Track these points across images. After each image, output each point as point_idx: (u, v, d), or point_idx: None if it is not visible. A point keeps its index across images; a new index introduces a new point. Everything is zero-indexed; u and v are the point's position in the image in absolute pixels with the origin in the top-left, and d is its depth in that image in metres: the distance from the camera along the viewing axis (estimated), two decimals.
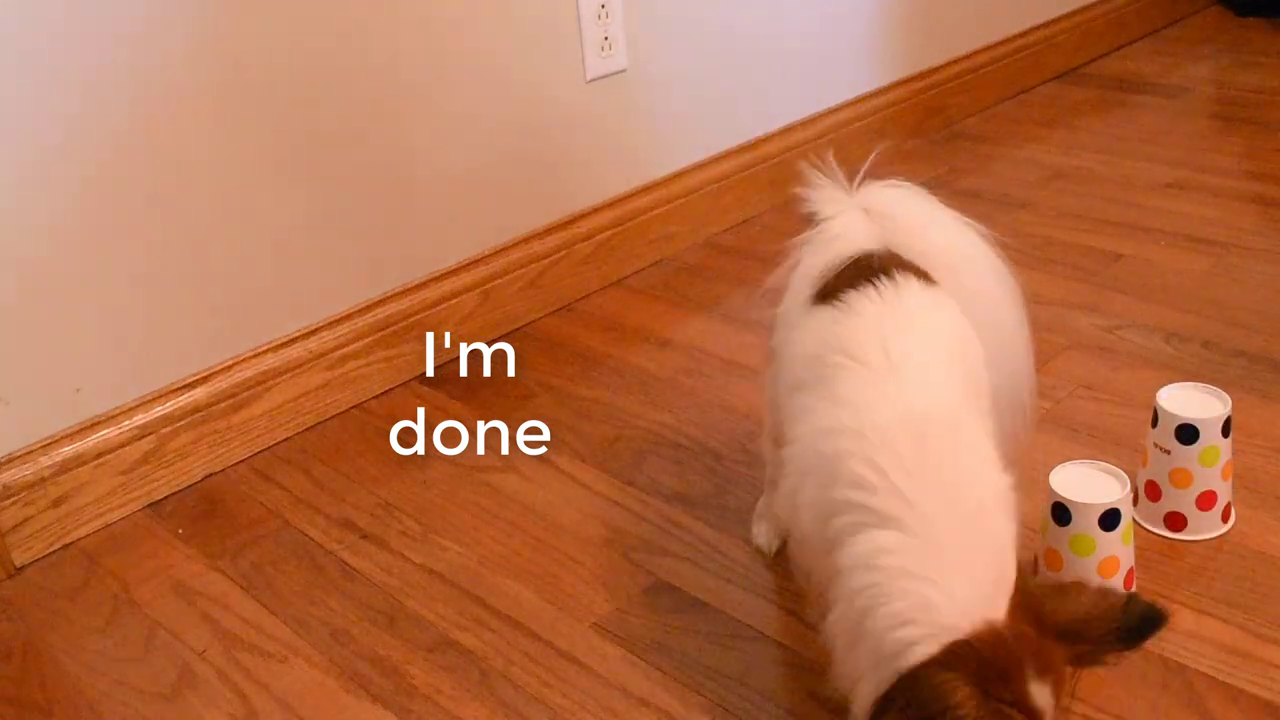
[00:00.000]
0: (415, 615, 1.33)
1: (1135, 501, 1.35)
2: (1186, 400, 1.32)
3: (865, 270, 1.11)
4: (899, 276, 1.09)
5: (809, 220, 1.23)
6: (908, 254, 1.14)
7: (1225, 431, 1.30)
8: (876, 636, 0.91)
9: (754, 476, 1.53)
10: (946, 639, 0.89)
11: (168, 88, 1.48)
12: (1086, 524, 1.18)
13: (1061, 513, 1.20)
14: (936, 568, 0.91)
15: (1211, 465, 1.30)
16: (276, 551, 1.46)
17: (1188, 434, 1.28)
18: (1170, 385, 1.34)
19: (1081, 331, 1.78)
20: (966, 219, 1.20)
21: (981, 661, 0.88)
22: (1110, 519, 1.18)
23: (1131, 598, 0.94)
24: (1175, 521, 1.33)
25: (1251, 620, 1.22)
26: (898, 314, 1.07)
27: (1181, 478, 1.31)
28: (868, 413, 0.99)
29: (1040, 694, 0.89)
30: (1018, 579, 0.93)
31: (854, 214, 1.20)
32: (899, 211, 1.20)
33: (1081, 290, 1.90)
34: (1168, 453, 1.31)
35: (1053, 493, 1.20)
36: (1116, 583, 1.21)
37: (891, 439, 0.96)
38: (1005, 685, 0.88)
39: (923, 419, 0.98)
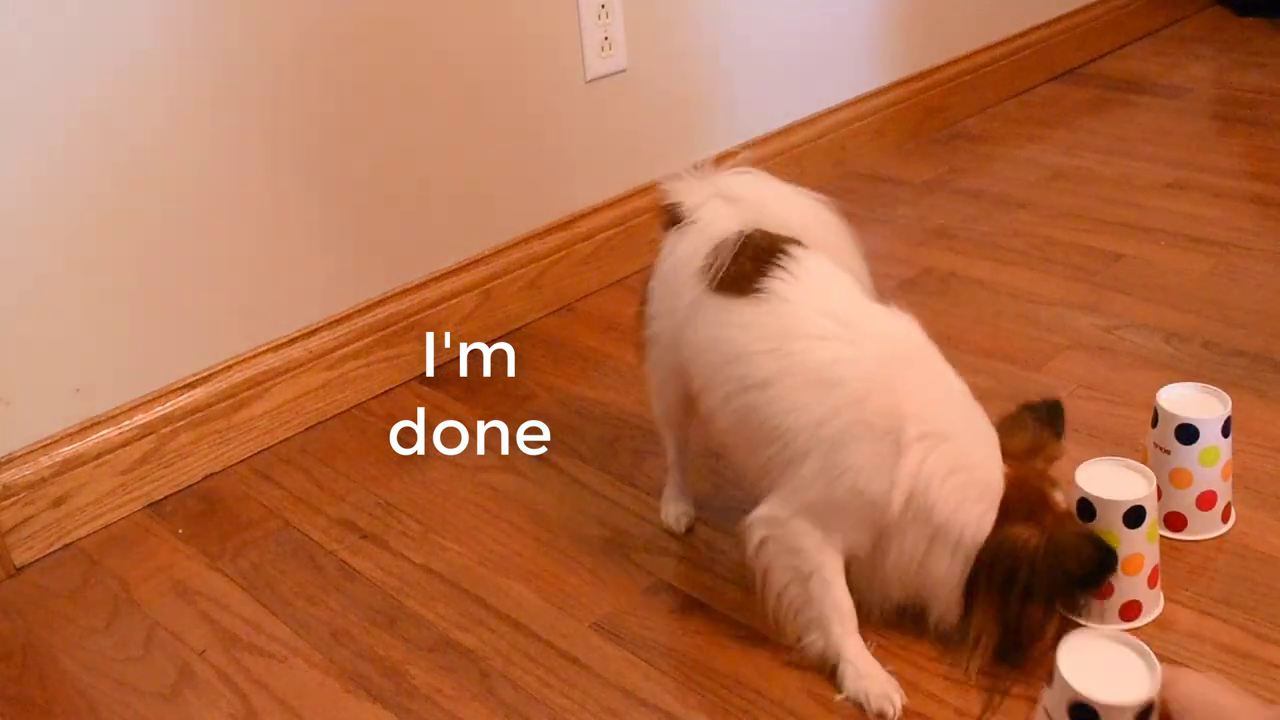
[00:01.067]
0: (415, 615, 1.33)
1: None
2: (1187, 400, 1.32)
3: (758, 254, 1.20)
4: (792, 253, 1.20)
5: (671, 211, 1.32)
6: (771, 228, 1.24)
7: (1225, 431, 1.30)
8: (952, 529, 1.13)
9: None
10: (996, 505, 1.12)
11: (167, 88, 1.48)
12: (1111, 521, 1.18)
13: (1086, 509, 1.20)
14: (977, 460, 1.14)
15: (1211, 465, 1.30)
16: (276, 551, 1.46)
17: (1188, 434, 1.28)
18: (1170, 385, 1.34)
19: (1081, 331, 1.78)
20: (804, 189, 1.32)
21: (1023, 502, 1.13)
22: (1135, 516, 1.18)
23: (1027, 405, 1.23)
24: (1175, 522, 1.33)
25: (1251, 620, 1.22)
26: (815, 286, 1.19)
27: (1181, 478, 1.31)
28: (866, 374, 1.13)
29: (1060, 496, 1.16)
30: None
31: (715, 201, 1.29)
32: (752, 193, 1.30)
33: (1081, 290, 1.90)
34: (1167, 453, 1.31)
35: (1078, 489, 1.20)
36: (1141, 580, 1.21)
37: (897, 381, 1.13)
38: (1044, 508, 1.14)
39: (905, 356, 1.16)
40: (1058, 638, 0.97)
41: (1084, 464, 1.23)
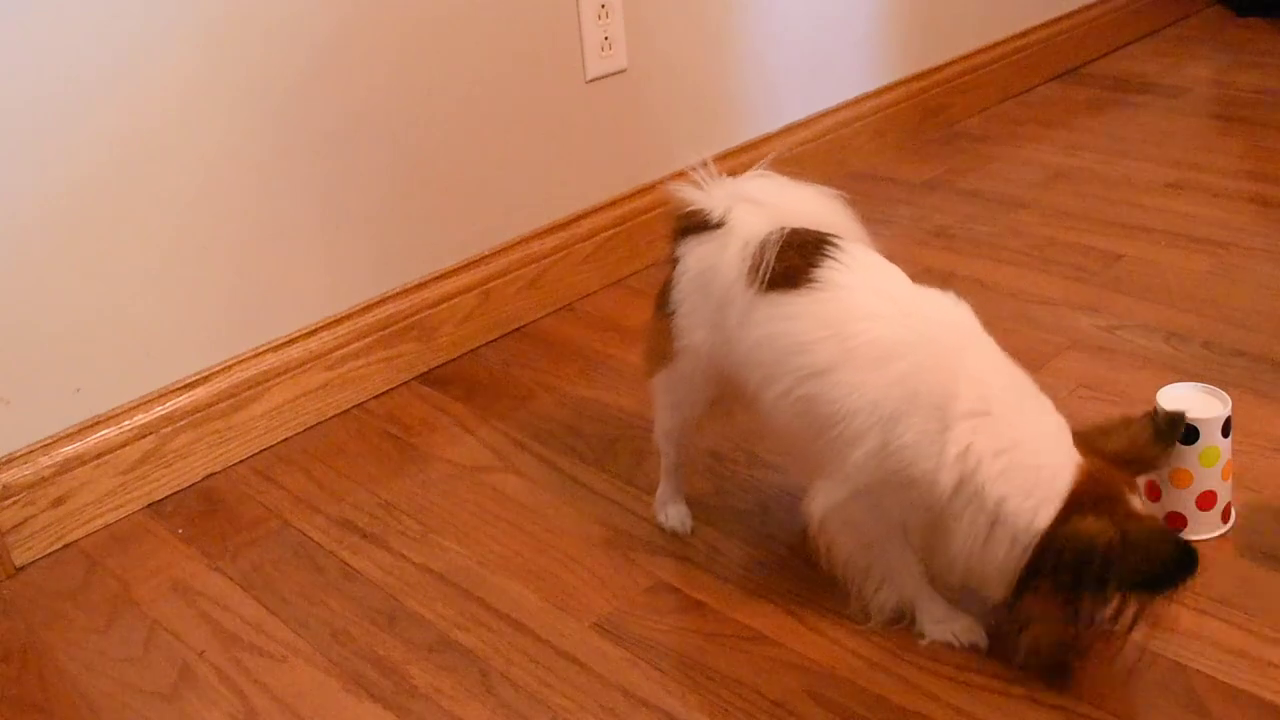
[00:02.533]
0: (415, 615, 1.33)
1: None
2: (1187, 400, 1.31)
3: (804, 248, 1.21)
4: (837, 244, 1.22)
5: (690, 219, 1.31)
6: (799, 225, 1.25)
7: (1225, 431, 1.30)
8: (1009, 515, 1.10)
9: (754, 476, 1.53)
10: (1063, 494, 1.10)
11: (168, 91, 1.48)
12: (1211, 435, 1.27)
13: (1190, 433, 1.26)
14: (1032, 445, 1.12)
15: (1211, 465, 1.30)
16: (276, 551, 1.46)
17: (1188, 434, 1.28)
18: (1171, 385, 1.34)
19: (1081, 331, 1.78)
20: (819, 187, 1.33)
21: (1095, 497, 1.10)
22: (1227, 427, 1.29)
23: (1152, 413, 1.21)
24: (1175, 521, 1.33)
25: (1251, 620, 1.22)
26: (866, 272, 1.21)
27: (1181, 478, 1.31)
28: (921, 352, 1.14)
29: (1137, 500, 1.14)
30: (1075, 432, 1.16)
31: (742, 205, 1.28)
32: (774, 196, 1.30)
33: (1081, 290, 1.90)
34: None
35: (1165, 411, 1.23)
36: (1229, 484, 1.32)
37: (951, 359, 1.14)
38: (1118, 505, 1.10)
39: (959, 338, 1.17)
40: (1114, 644, 1.11)
41: (1160, 394, 1.32)
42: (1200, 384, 1.35)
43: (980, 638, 1.21)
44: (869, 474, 1.15)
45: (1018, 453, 1.11)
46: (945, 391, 1.12)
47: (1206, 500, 1.32)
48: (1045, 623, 1.12)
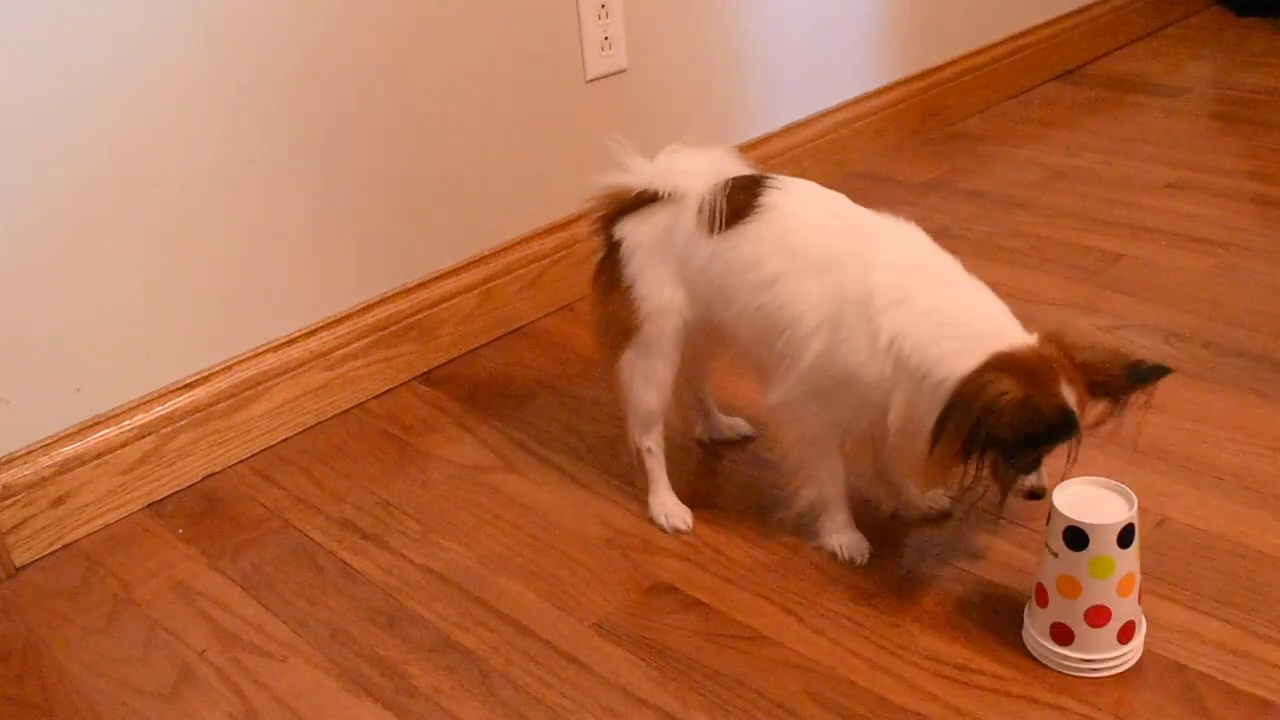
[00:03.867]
0: (415, 615, 1.33)
1: (1031, 599, 1.22)
2: (1083, 498, 1.15)
3: (747, 186, 1.31)
4: (778, 178, 1.32)
5: (632, 201, 1.38)
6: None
7: (1124, 541, 1.12)
8: (930, 363, 1.15)
9: (754, 477, 1.53)
10: (988, 351, 1.13)
11: (168, 90, 1.48)
12: (1106, 544, 1.11)
13: (1078, 537, 1.11)
14: (969, 309, 1.19)
15: (1103, 578, 1.12)
16: (276, 551, 1.46)
17: (1076, 538, 1.12)
18: (1077, 479, 1.17)
19: (1081, 331, 1.78)
20: (724, 149, 1.40)
21: (1020, 366, 1.12)
22: (1127, 535, 1.11)
23: (1140, 361, 1.18)
24: (1060, 634, 1.17)
25: (1251, 620, 1.22)
26: (808, 195, 1.31)
27: (1067, 586, 1.14)
28: (850, 252, 1.23)
29: (1070, 396, 1.13)
30: (1050, 329, 1.18)
31: (673, 174, 1.36)
32: (697, 164, 1.37)
33: (1081, 290, 1.90)
34: (1055, 555, 1.14)
35: (1061, 516, 1.12)
36: (1133, 600, 1.15)
37: (872, 254, 1.22)
38: (1040, 384, 1.11)
39: (884, 235, 1.25)
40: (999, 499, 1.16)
41: (1057, 489, 1.15)
42: (1107, 481, 1.16)
43: (860, 558, 1.34)
44: (817, 375, 1.24)
45: (939, 317, 1.18)
46: (866, 288, 1.20)
47: (1096, 616, 1.14)
48: (939, 462, 1.16)
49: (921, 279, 1.22)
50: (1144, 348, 1.72)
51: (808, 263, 1.25)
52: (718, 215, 1.30)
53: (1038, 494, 1.19)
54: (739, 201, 1.30)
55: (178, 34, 1.47)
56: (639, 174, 1.38)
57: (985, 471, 1.15)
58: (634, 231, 1.37)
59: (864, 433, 1.32)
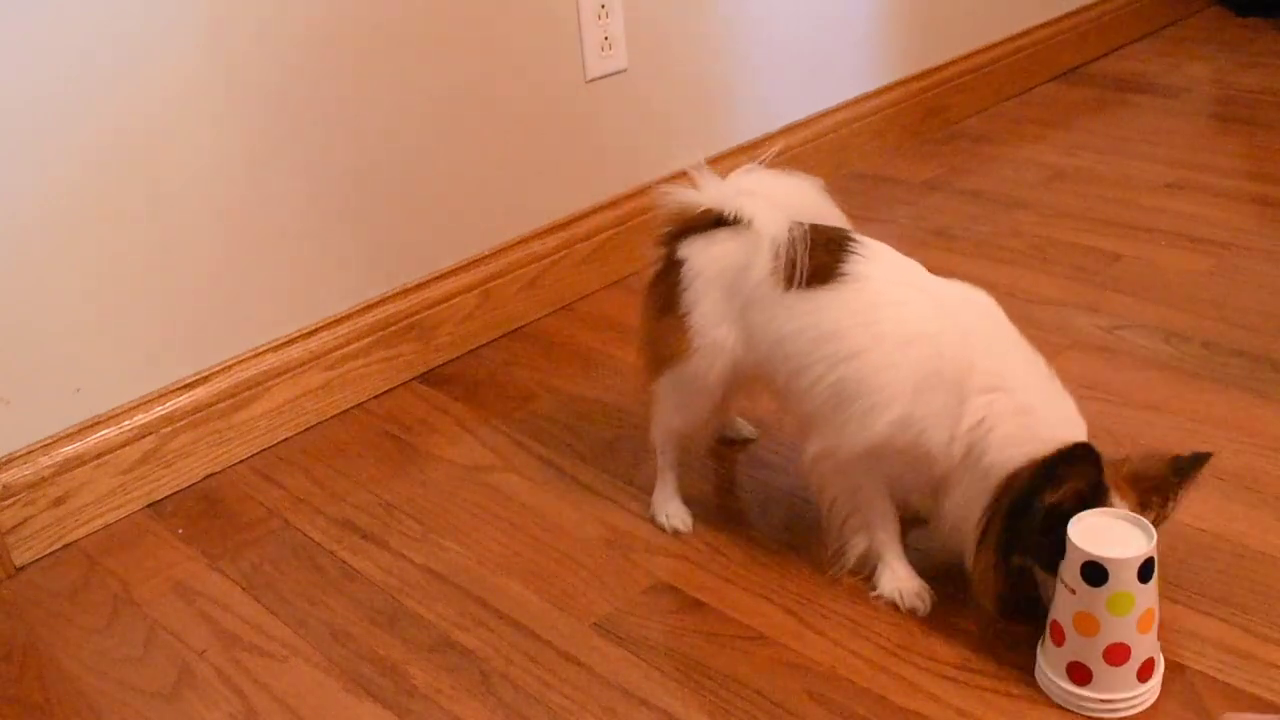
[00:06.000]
0: (415, 615, 1.33)
1: (1043, 637, 1.17)
2: (1104, 529, 1.09)
3: (829, 244, 1.26)
4: (858, 239, 1.27)
5: (698, 220, 1.32)
6: (802, 218, 1.29)
7: (1144, 576, 1.07)
8: (996, 466, 1.13)
9: (754, 477, 1.53)
10: (1045, 451, 1.09)
11: (167, 88, 1.48)
12: (1126, 580, 1.06)
13: (1096, 573, 1.06)
14: (1044, 416, 1.15)
15: (1122, 615, 1.08)
16: (276, 551, 1.46)
17: (1095, 573, 1.07)
18: (1094, 511, 1.11)
19: (1081, 331, 1.78)
20: (802, 175, 1.36)
21: (1078, 470, 1.09)
22: (1147, 570, 1.07)
23: (1179, 455, 1.18)
24: (1078, 673, 1.12)
25: (1251, 620, 1.22)
26: (889, 264, 1.26)
27: (1086, 623, 1.09)
28: (944, 333, 1.19)
29: (1118, 498, 1.12)
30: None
31: (747, 199, 1.31)
32: (770, 189, 1.33)
33: (1081, 290, 1.90)
34: (1073, 592, 1.09)
35: (1080, 551, 1.07)
36: (1153, 636, 1.11)
37: (971, 339, 1.18)
38: (1090, 481, 1.09)
39: (980, 316, 1.22)
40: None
41: (1071, 521, 1.10)
42: (1123, 511, 1.11)
43: (922, 606, 1.26)
44: (884, 440, 1.19)
45: (1028, 419, 1.14)
46: (963, 368, 1.16)
47: (1116, 654, 1.10)
48: (981, 571, 1.15)
49: (1017, 369, 1.18)
50: (1144, 348, 1.72)
51: (894, 338, 1.19)
52: (798, 272, 1.24)
53: None
54: (820, 261, 1.24)
55: (177, 33, 1.47)
56: (708, 192, 1.33)
57: (1026, 573, 1.14)
58: (699, 256, 1.31)
59: (905, 496, 1.29)
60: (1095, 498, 1.11)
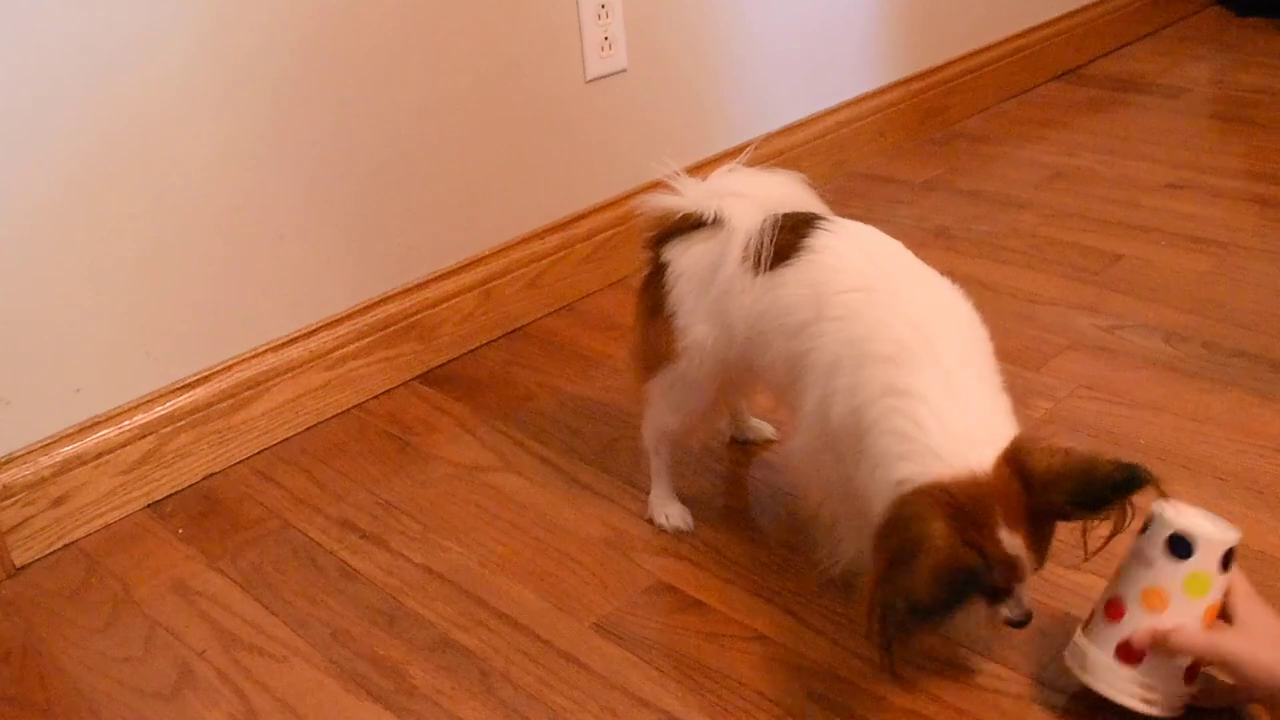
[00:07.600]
0: (415, 615, 1.33)
1: (1090, 619, 1.12)
2: (1192, 515, 1.07)
3: (794, 228, 1.24)
4: (828, 218, 1.26)
5: (679, 224, 1.32)
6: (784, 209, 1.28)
7: (1225, 565, 1.05)
8: (881, 458, 1.06)
9: (754, 476, 1.53)
10: (933, 475, 1.01)
11: (167, 88, 1.48)
12: (1208, 562, 1.03)
13: (1181, 546, 1.03)
14: (956, 411, 1.04)
15: (1196, 597, 1.04)
16: (276, 551, 1.46)
17: (1181, 547, 1.04)
18: (1177, 503, 1.07)
19: (1081, 331, 1.78)
20: (782, 171, 1.35)
21: (957, 505, 0.99)
22: (1228, 560, 1.05)
23: (1120, 464, 1.00)
24: (1128, 653, 1.06)
25: None
26: (852, 237, 1.24)
27: (1155, 599, 1.05)
28: (889, 307, 1.14)
29: (1012, 543, 1.01)
30: (1018, 436, 1.04)
31: (729, 199, 1.30)
32: (750, 187, 1.33)
33: (1081, 290, 1.90)
34: (1149, 565, 1.05)
35: (1170, 524, 1.04)
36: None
37: (891, 308, 1.13)
38: (977, 530, 1.00)
39: (908, 289, 1.17)
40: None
41: (1162, 503, 1.06)
42: (1208, 513, 1.08)
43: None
44: (818, 421, 1.17)
45: (920, 412, 1.04)
46: (867, 335, 1.12)
47: None
48: (865, 597, 1.04)
49: (929, 348, 1.08)
50: (1144, 348, 1.72)
51: (834, 308, 1.16)
52: (763, 255, 1.23)
53: (1018, 623, 1.09)
54: (784, 242, 1.23)
55: (176, 32, 1.47)
56: (688, 195, 1.33)
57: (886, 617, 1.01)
58: (680, 258, 1.32)
59: None
60: (963, 566, 0.99)
